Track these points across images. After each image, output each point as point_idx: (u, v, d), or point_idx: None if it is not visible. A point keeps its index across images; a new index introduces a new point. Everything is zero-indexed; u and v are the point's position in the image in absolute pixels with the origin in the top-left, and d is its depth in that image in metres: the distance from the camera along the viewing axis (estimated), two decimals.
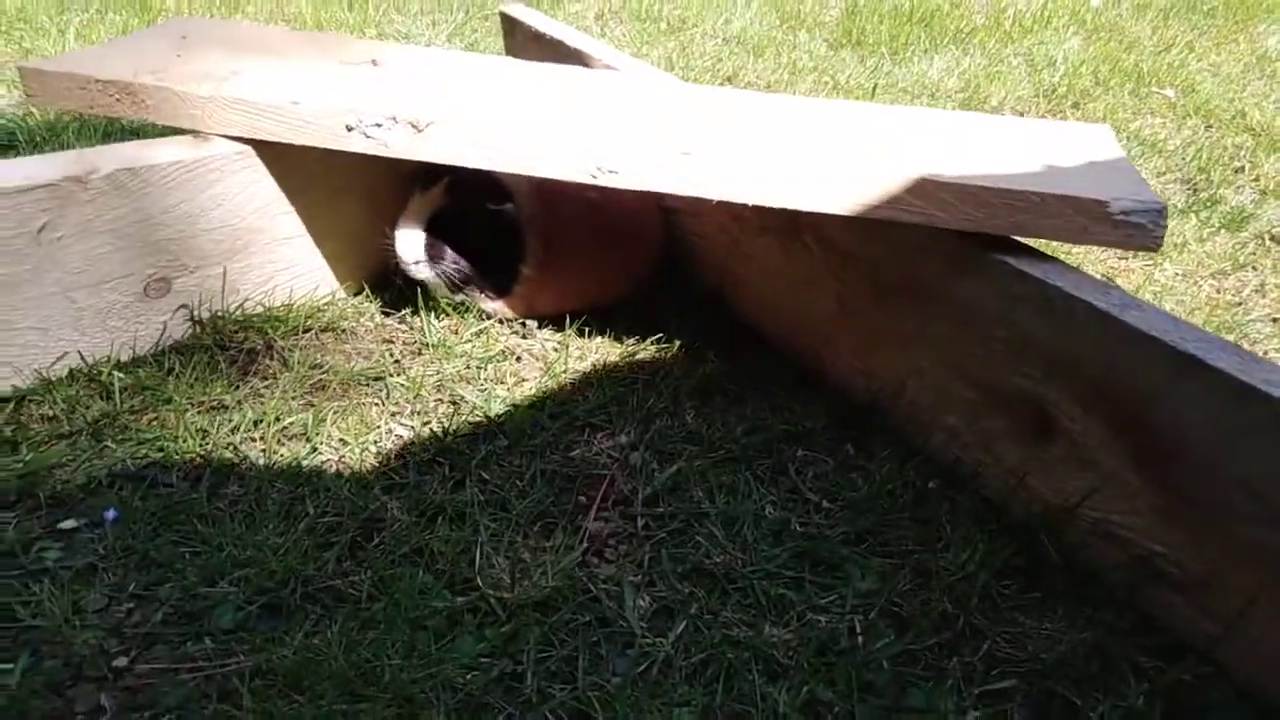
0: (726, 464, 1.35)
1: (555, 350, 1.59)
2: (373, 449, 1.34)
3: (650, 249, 1.74)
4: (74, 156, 1.29)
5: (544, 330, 1.64)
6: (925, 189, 1.15)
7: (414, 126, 1.28)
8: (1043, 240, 1.22)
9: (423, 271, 1.54)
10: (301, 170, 1.49)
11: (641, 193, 1.71)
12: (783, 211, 1.47)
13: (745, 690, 1.02)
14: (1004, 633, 1.11)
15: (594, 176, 1.25)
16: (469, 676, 1.02)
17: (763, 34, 3.46)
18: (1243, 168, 2.54)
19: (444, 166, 1.52)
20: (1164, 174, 2.46)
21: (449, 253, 1.53)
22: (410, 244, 1.53)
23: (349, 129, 1.31)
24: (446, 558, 1.16)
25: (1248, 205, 2.29)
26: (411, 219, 1.53)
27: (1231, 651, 1.04)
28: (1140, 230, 1.10)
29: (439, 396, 1.46)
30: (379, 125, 1.29)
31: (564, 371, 1.53)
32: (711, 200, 1.24)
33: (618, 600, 1.13)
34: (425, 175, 1.54)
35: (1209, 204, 2.27)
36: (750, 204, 1.22)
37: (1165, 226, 1.10)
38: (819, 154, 1.23)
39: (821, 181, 1.19)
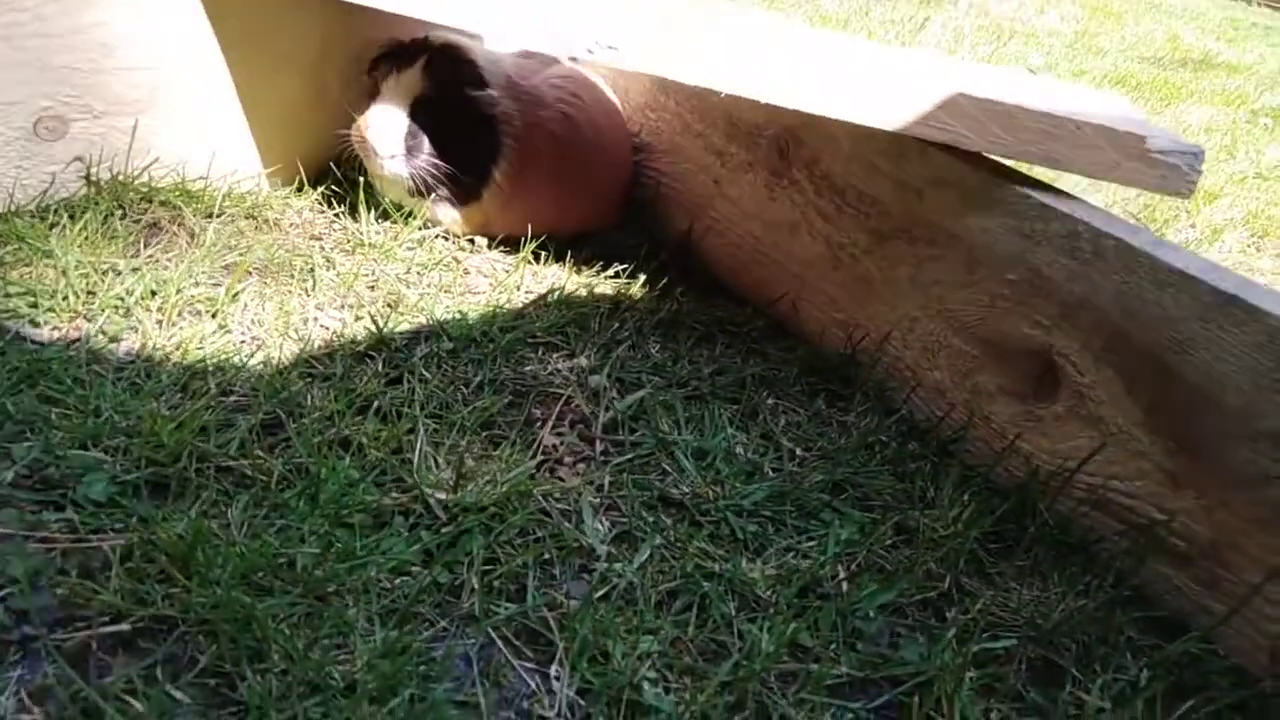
0: (694, 400, 1.22)
1: (506, 271, 1.43)
2: (294, 336, 1.15)
3: (621, 183, 1.61)
4: None
5: (494, 249, 1.48)
6: (959, 105, 1.06)
7: None
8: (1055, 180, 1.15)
9: (396, 167, 1.35)
10: (245, 20, 1.30)
11: (616, 115, 1.59)
12: (773, 144, 1.36)
13: (720, 623, 0.88)
14: (994, 596, 1.00)
15: (591, 52, 1.11)
16: (397, 581, 0.85)
17: None
18: (1179, 214, 2.60)
19: (414, 49, 1.36)
20: (1111, 205, 2.48)
21: (427, 146, 1.34)
22: (387, 131, 1.33)
23: None
24: (376, 452, 0.98)
25: (1190, 244, 2.32)
26: (390, 101, 1.34)
27: (1241, 629, 0.95)
28: (1175, 172, 1.03)
29: (375, 294, 1.28)
30: None
31: (518, 289, 1.37)
32: (720, 94, 1.11)
33: (573, 520, 0.97)
34: (392, 58, 1.37)
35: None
36: (764, 102, 1.10)
37: (1200, 172, 1.04)
38: (843, 64, 1.13)
39: (849, 86, 1.08)
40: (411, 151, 1.34)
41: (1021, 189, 1.09)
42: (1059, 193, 1.09)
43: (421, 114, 1.34)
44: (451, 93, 1.35)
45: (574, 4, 1.12)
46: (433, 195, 1.40)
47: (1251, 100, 4.53)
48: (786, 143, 1.36)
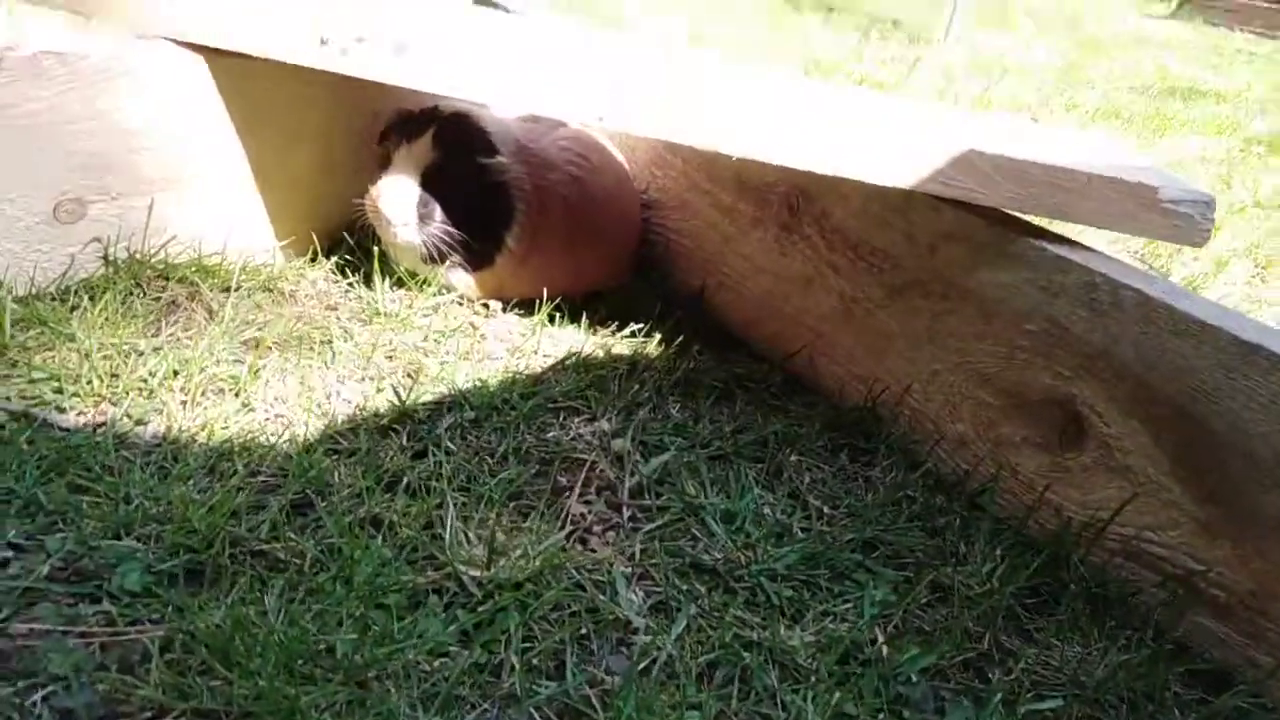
0: (718, 461, 1.22)
1: (522, 334, 1.44)
2: (317, 411, 1.15)
3: (630, 242, 1.62)
4: None
5: (508, 314, 1.49)
6: (970, 161, 1.07)
7: (399, 46, 1.14)
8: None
9: (409, 235, 1.36)
10: (256, 98, 1.32)
11: (623, 174, 1.61)
12: (781, 200, 1.38)
13: (764, 695, 0.87)
14: (1036, 654, 0.99)
15: (601, 119, 1.13)
16: (436, 663, 0.84)
17: None
18: (1181, 248, 2.62)
19: (423, 118, 1.38)
20: (1114, 242, 2.50)
21: (439, 213, 1.35)
22: (400, 200, 1.34)
23: (323, 42, 1.15)
24: (407, 530, 0.97)
25: (1197, 278, 2.33)
26: (401, 170, 1.35)
27: None
28: (1188, 222, 1.04)
29: (394, 365, 1.28)
30: (360, 40, 1.14)
31: (534, 353, 1.37)
32: (730, 157, 1.12)
33: (607, 591, 0.96)
34: (402, 128, 1.39)
35: (1163, 274, 2.30)
36: (775, 164, 1.11)
37: (1213, 220, 1.05)
38: (850, 121, 1.14)
39: (858, 144, 1.09)
40: (424, 219, 1.36)
41: (1036, 242, 1.09)
42: (1074, 244, 1.10)
43: (433, 182, 1.36)
44: (462, 160, 1.37)
45: (578, 72, 1.14)
46: (447, 262, 1.41)
47: (1243, 127, 4.59)
48: (796, 199, 1.38)
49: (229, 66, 1.25)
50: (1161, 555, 1.04)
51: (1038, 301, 1.10)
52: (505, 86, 1.14)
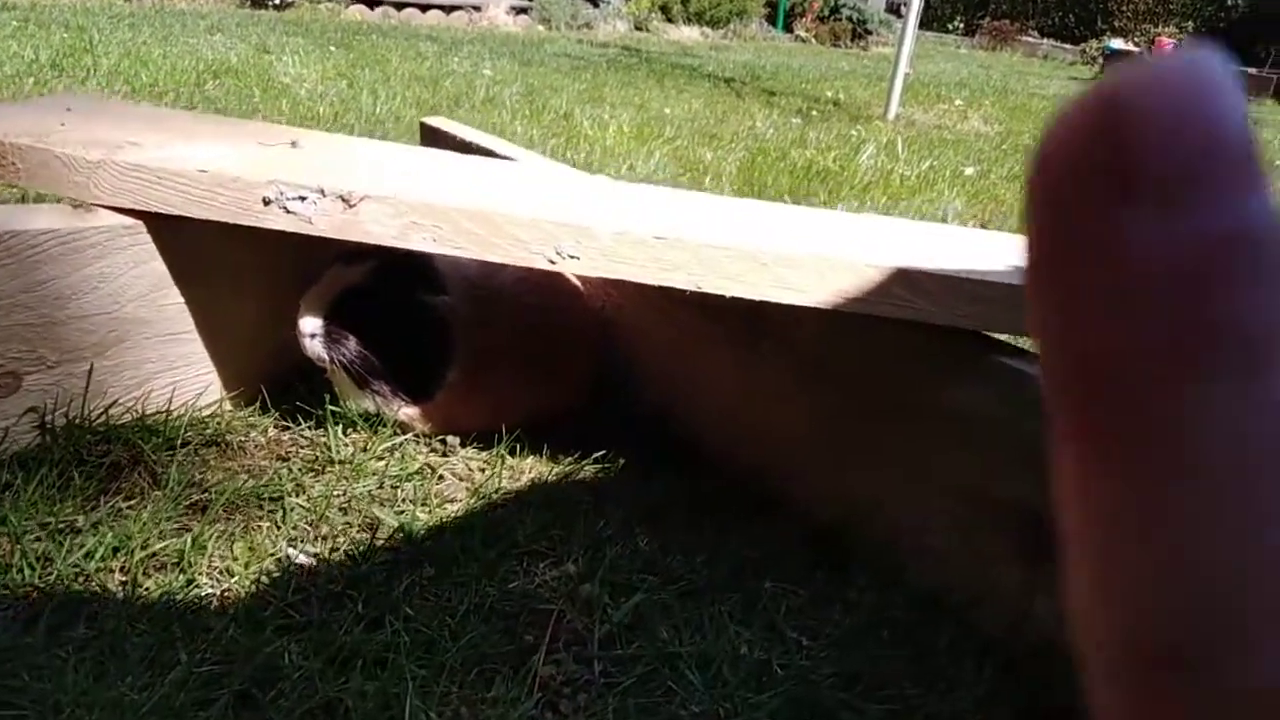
0: (690, 597, 1.17)
1: (482, 470, 1.40)
2: (266, 580, 1.10)
3: (588, 365, 1.59)
4: None
5: (467, 449, 1.45)
6: (917, 282, 1.07)
7: (345, 201, 1.12)
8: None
9: (315, 347, 1.33)
10: (197, 255, 1.29)
11: (582, 301, 1.60)
12: (741, 318, 1.37)
13: None
14: None
15: (552, 261, 1.11)
16: None
17: (667, 179, 3.50)
18: None
19: (370, 251, 1.36)
20: None
21: (351, 339, 1.33)
22: (313, 314, 1.33)
23: (266, 202, 1.13)
24: (362, 714, 0.91)
25: None
26: (324, 289, 1.33)
27: None
28: None
29: (348, 520, 1.23)
30: (302, 199, 1.12)
31: (495, 492, 1.33)
32: (685, 291, 1.11)
33: None
34: (345, 258, 1.36)
35: None
36: (728, 295, 1.10)
37: None
38: (798, 246, 1.13)
39: (807, 271, 1.08)
40: (334, 338, 1.33)
41: (996, 357, 1.08)
42: (1036, 357, 1.09)
43: (360, 305, 1.33)
44: (399, 290, 1.34)
45: (527, 214, 1.13)
46: (380, 387, 1.37)
47: None
48: (754, 318, 1.36)
49: (168, 224, 1.23)
50: None
51: (1006, 415, 1.09)
52: (448, 237, 1.13)
